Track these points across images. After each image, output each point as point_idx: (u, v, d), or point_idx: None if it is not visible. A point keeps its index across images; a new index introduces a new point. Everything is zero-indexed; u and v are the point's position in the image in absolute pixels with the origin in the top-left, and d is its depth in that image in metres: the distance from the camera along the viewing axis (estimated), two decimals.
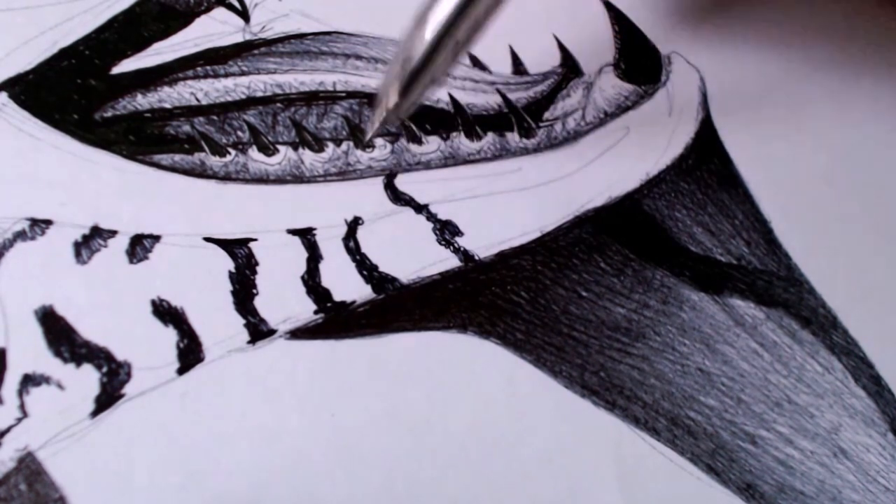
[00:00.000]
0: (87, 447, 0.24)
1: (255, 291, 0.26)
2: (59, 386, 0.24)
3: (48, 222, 0.26)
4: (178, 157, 0.27)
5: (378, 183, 0.27)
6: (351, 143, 0.28)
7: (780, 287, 0.28)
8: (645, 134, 0.29)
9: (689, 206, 0.29)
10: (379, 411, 0.25)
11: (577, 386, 0.26)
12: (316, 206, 0.27)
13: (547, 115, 0.29)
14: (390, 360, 0.25)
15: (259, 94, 0.28)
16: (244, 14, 0.29)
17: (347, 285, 0.26)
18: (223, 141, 0.27)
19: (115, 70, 0.28)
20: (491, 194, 0.28)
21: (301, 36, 0.29)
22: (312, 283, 0.26)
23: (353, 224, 0.27)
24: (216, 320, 0.25)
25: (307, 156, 0.27)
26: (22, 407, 0.24)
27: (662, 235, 0.28)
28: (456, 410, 0.25)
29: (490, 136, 0.29)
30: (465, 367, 0.26)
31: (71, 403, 0.24)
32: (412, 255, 0.27)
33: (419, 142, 0.28)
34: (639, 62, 0.30)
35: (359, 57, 0.29)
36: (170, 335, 0.25)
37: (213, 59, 0.28)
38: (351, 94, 0.28)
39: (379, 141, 0.28)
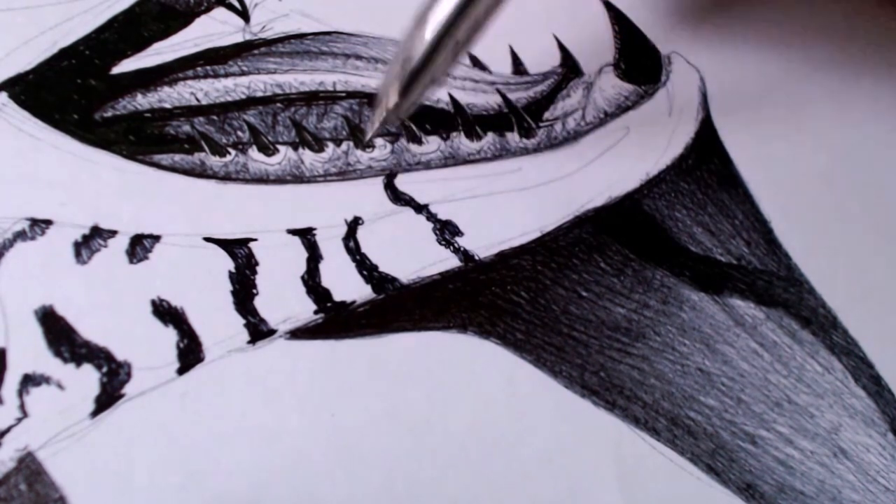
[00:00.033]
0: (87, 447, 0.23)
1: (255, 291, 0.26)
2: (59, 386, 0.24)
3: (48, 222, 0.26)
4: (178, 157, 0.27)
5: (378, 183, 0.27)
6: (351, 143, 0.28)
7: (780, 287, 0.28)
8: (645, 134, 0.29)
9: (689, 206, 0.29)
10: (379, 411, 0.25)
11: (577, 386, 0.26)
12: (316, 206, 0.27)
13: (547, 115, 0.29)
14: (390, 360, 0.25)
15: (259, 94, 0.28)
16: (244, 14, 0.29)
17: (347, 285, 0.26)
18: (223, 141, 0.27)
19: (115, 70, 0.28)
20: (491, 194, 0.28)
21: (301, 36, 0.29)
22: (312, 283, 0.26)
23: (353, 224, 0.27)
24: (216, 320, 0.25)
25: (307, 156, 0.27)
26: (22, 407, 0.24)
27: (662, 235, 0.28)
28: (456, 410, 0.25)
29: (490, 136, 0.29)
30: (465, 367, 0.26)
31: (71, 403, 0.24)
32: (412, 255, 0.27)
33: (419, 142, 0.28)
34: (639, 62, 0.30)
35: (359, 57, 0.29)
36: (170, 335, 0.25)
37: (213, 59, 0.28)
38: (351, 94, 0.28)
39: (379, 141, 0.28)
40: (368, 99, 0.28)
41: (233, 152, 0.27)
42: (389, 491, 0.24)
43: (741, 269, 0.28)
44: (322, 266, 0.26)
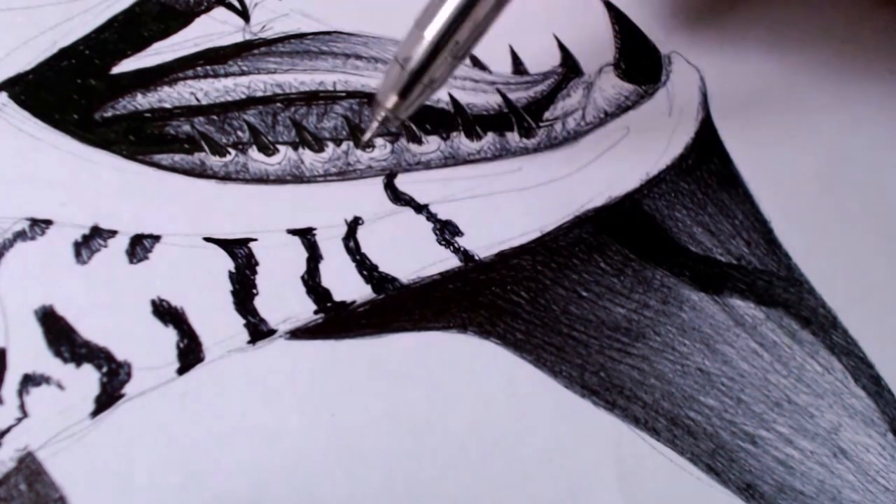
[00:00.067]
0: (87, 447, 0.23)
1: (255, 291, 0.26)
2: (59, 386, 0.24)
3: (48, 222, 0.26)
4: (178, 157, 0.27)
5: (378, 183, 0.27)
6: (351, 143, 0.28)
7: (780, 287, 0.28)
8: (645, 134, 0.29)
9: (689, 206, 0.29)
10: (379, 411, 0.25)
11: (577, 386, 0.26)
12: (316, 206, 0.27)
13: (547, 114, 0.29)
14: (390, 360, 0.25)
15: (259, 93, 0.28)
16: (244, 14, 0.29)
17: (347, 285, 0.26)
18: (223, 141, 0.27)
19: (115, 70, 0.28)
20: (491, 194, 0.28)
21: (301, 36, 0.29)
22: (312, 283, 0.26)
23: (353, 224, 0.27)
24: (216, 320, 0.25)
25: (307, 156, 0.27)
26: (22, 407, 0.24)
27: (662, 235, 0.28)
28: (456, 410, 0.25)
29: (490, 136, 0.29)
30: (465, 367, 0.26)
31: (71, 403, 0.24)
32: (412, 255, 0.27)
33: (419, 142, 0.28)
34: (639, 62, 0.30)
35: (359, 57, 0.29)
36: (170, 335, 0.25)
37: (213, 59, 0.28)
38: (351, 94, 0.28)
39: (379, 141, 0.28)
40: (368, 99, 0.28)
41: (233, 152, 0.27)
42: (389, 491, 0.24)
43: (741, 269, 0.28)
44: (322, 266, 0.26)
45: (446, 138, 0.28)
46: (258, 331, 0.25)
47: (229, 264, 0.26)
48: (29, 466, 0.23)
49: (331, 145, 0.28)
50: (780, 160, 0.29)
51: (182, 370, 0.25)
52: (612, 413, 0.26)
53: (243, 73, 0.28)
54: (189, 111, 0.28)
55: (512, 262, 0.27)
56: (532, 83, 0.30)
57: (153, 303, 0.25)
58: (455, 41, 0.23)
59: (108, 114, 0.27)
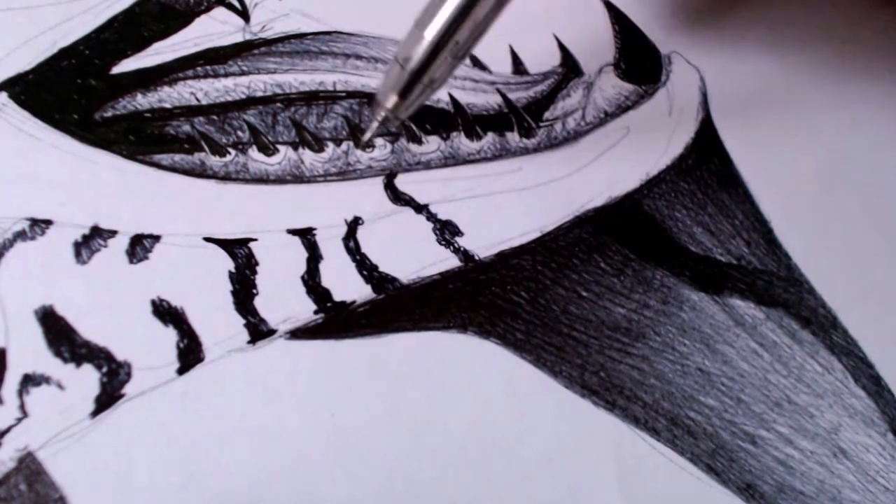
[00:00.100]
0: (87, 447, 0.23)
1: (255, 291, 0.26)
2: (59, 386, 0.24)
3: (48, 222, 0.26)
4: (178, 157, 0.27)
5: (378, 183, 0.27)
6: (351, 143, 0.28)
7: (780, 287, 0.28)
8: (645, 134, 0.29)
9: (689, 206, 0.29)
10: (379, 411, 0.25)
11: (577, 386, 0.26)
12: (316, 206, 0.27)
13: (547, 114, 0.29)
14: (390, 360, 0.25)
15: (259, 93, 0.28)
16: (244, 14, 0.29)
17: (347, 285, 0.26)
18: (223, 141, 0.27)
19: (115, 70, 0.28)
20: (491, 194, 0.28)
21: (301, 36, 0.29)
22: (312, 283, 0.26)
23: (353, 224, 0.27)
24: (216, 320, 0.25)
25: (307, 156, 0.27)
26: (22, 407, 0.24)
27: (662, 235, 0.28)
28: (456, 410, 0.25)
29: (490, 136, 0.29)
30: (465, 367, 0.26)
31: (71, 403, 0.24)
32: (412, 255, 0.27)
33: (419, 142, 0.28)
34: (639, 62, 0.30)
35: (359, 57, 0.29)
36: (170, 335, 0.25)
37: (213, 59, 0.28)
38: (351, 94, 0.28)
39: (379, 141, 0.28)
40: (368, 99, 0.28)
41: (233, 152, 0.27)
42: (389, 491, 0.24)
43: (741, 269, 0.28)
44: (322, 266, 0.26)
45: (446, 138, 0.28)
46: (258, 331, 0.25)
47: (229, 264, 0.26)
48: (29, 466, 0.23)
49: (331, 145, 0.28)
50: (780, 160, 0.29)
51: (182, 370, 0.25)
52: (612, 413, 0.26)
53: (243, 73, 0.28)
54: (189, 111, 0.28)
55: (512, 262, 0.27)
56: (532, 83, 0.30)
57: (153, 303, 0.25)
58: (455, 41, 0.23)
59: (108, 114, 0.27)
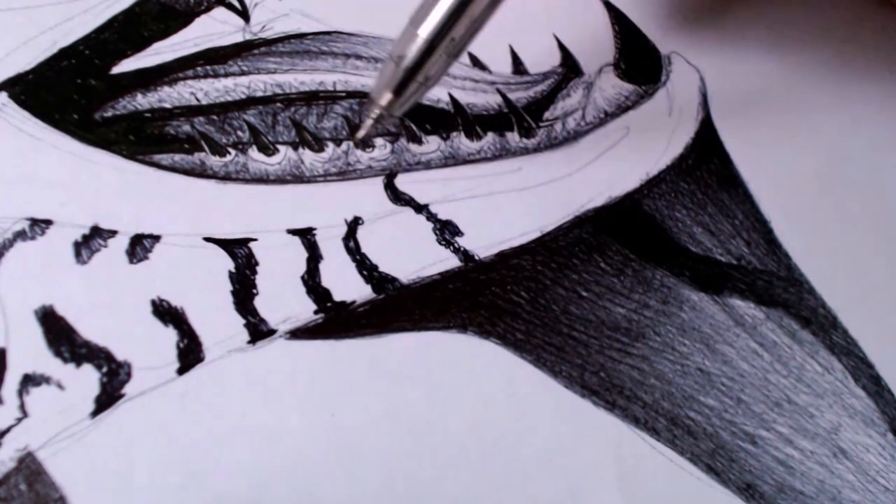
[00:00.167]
0: (87, 447, 0.23)
1: (255, 291, 0.26)
2: (59, 386, 0.24)
3: (48, 222, 0.26)
4: (178, 157, 0.27)
5: (378, 183, 0.27)
6: (351, 143, 0.28)
7: (780, 287, 0.28)
8: (645, 134, 0.29)
9: (689, 206, 0.29)
10: (379, 411, 0.25)
11: (577, 386, 0.26)
12: (316, 206, 0.27)
13: (547, 114, 0.29)
14: (390, 360, 0.25)
15: (259, 93, 0.28)
16: (244, 14, 0.29)
17: (347, 285, 0.26)
18: (223, 141, 0.27)
19: (115, 70, 0.28)
20: (491, 194, 0.28)
21: (301, 36, 0.29)
22: (312, 283, 0.26)
23: (353, 224, 0.27)
24: (216, 320, 0.25)
25: (307, 156, 0.27)
26: (22, 407, 0.24)
27: (662, 235, 0.28)
28: (456, 410, 0.25)
29: (490, 136, 0.29)
30: (465, 367, 0.26)
31: (71, 403, 0.24)
32: (412, 255, 0.27)
33: (419, 142, 0.28)
34: (639, 62, 0.30)
35: (359, 57, 0.29)
36: (170, 335, 0.25)
37: (213, 59, 0.28)
38: (351, 94, 0.28)
39: (379, 141, 0.28)
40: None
41: (233, 152, 0.27)
42: (389, 491, 0.24)
43: (741, 269, 0.28)
44: (322, 266, 0.26)
45: (446, 138, 0.28)
46: (258, 331, 0.25)
47: (229, 264, 0.26)
48: (29, 466, 0.23)
49: (331, 145, 0.28)
50: (780, 160, 0.29)
51: (182, 370, 0.25)
52: (612, 413, 0.26)
53: (243, 73, 0.28)
54: (189, 111, 0.28)
55: (512, 262, 0.27)
56: (532, 83, 0.30)
57: (153, 303, 0.25)
58: (450, 39, 0.23)
59: (108, 114, 0.27)
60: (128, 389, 0.24)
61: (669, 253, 0.28)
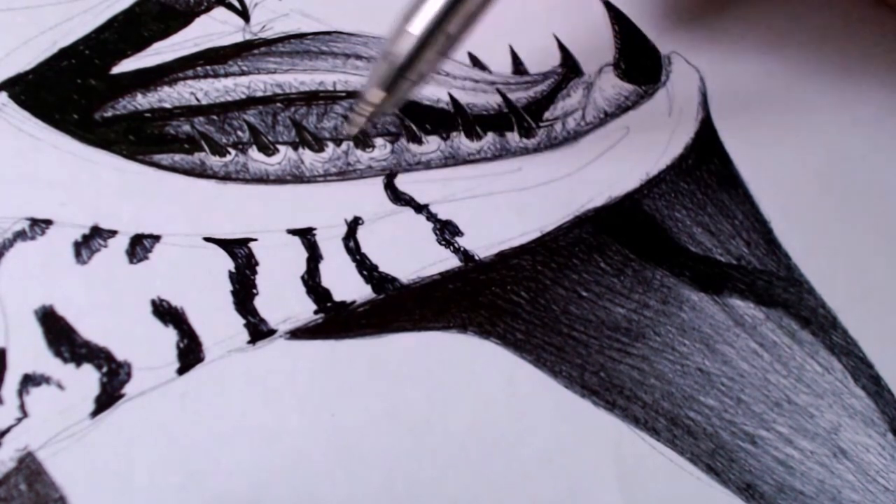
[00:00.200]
0: (87, 447, 0.23)
1: (255, 291, 0.26)
2: (59, 386, 0.24)
3: (48, 222, 0.26)
4: (178, 157, 0.27)
5: (378, 183, 0.27)
6: (351, 143, 0.28)
7: (780, 287, 0.28)
8: (645, 134, 0.29)
9: (689, 206, 0.29)
10: (379, 411, 0.25)
11: (577, 386, 0.26)
12: (316, 206, 0.27)
13: (547, 114, 0.29)
14: (390, 360, 0.25)
15: (259, 93, 0.28)
16: (244, 14, 0.29)
17: (347, 285, 0.26)
18: (223, 141, 0.27)
19: (115, 70, 0.28)
20: (491, 194, 0.28)
21: (301, 36, 0.29)
22: (312, 283, 0.26)
23: (353, 224, 0.27)
24: (216, 320, 0.25)
25: (307, 156, 0.27)
26: (22, 407, 0.24)
27: (662, 235, 0.28)
28: (456, 410, 0.25)
29: (490, 136, 0.29)
30: (465, 367, 0.26)
31: (71, 403, 0.24)
32: (412, 255, 0.27)
33: (419, 142, 0.28)
34: (639, 62, 0.30)
35: (359, 57, 0.29)
36: (170, 335, 0.25)
37: (213, 59, 0.28)
38: (351, 94, 0.28)
39: (379, 141, 0.28)
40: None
41: (233, 152, 0.27)
42: (389, 491, 0.24)
43: (741, 269, 0.28)
44: (322, 266, 0.26)
45: (446, 138, 0.28)
46: (258, 331, 0.25)
47: (229, 264, 0.26)
48: (29, 466, 0.23)
49: (331, 145, 0.28)
50: (780, 160, 0.29)
51: (182, 370, 0.25)
52: (612, 413, 0.26)
53: (243, 73, 0.28)
54: (189, 111, 0.28)
55: (512, 262, 0.27)
56: (532, 83, 0.30)
57: (153, 303, 0.25)
58: (441, 35, 0.23)
59: (108, 114, 0.27)
60: (128, 389, 0.24)
61: (669, 253, 0.28)
